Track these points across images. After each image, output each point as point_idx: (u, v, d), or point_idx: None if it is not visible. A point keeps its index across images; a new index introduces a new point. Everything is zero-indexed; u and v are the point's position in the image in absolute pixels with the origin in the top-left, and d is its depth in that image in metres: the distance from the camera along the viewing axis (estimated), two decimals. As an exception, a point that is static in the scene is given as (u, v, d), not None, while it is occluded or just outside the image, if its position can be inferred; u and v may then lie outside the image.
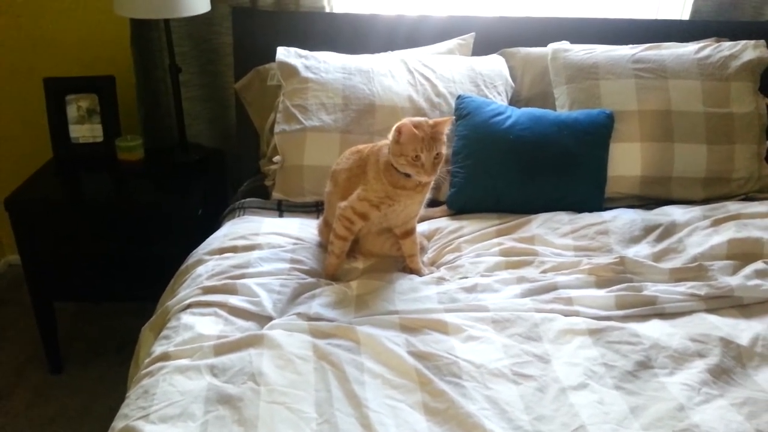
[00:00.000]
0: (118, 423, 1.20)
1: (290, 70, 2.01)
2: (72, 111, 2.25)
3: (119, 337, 2.35)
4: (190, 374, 1.27)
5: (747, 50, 2.07)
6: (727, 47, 2.08)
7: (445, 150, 1.50)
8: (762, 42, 2.10)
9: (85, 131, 2.27)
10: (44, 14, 2.31)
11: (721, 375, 1.32)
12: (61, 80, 2.22)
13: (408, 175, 1.52)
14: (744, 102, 2.02)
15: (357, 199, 1.58)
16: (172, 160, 2.27)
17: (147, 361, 1.36)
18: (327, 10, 2.29)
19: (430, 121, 1.49)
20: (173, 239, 1.99)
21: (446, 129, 1.49)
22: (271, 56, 2.09)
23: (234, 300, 1.47)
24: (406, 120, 1.49)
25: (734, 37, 2.14)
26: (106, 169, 2.22)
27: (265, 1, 2.24)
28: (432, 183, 1.59)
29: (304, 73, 2.00)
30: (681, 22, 2.32)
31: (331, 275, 1.62)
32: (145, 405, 1.21)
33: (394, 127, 1.48)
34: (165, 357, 1.33)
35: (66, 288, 2.18)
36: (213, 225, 1.94)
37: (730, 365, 1.34)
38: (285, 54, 2.05)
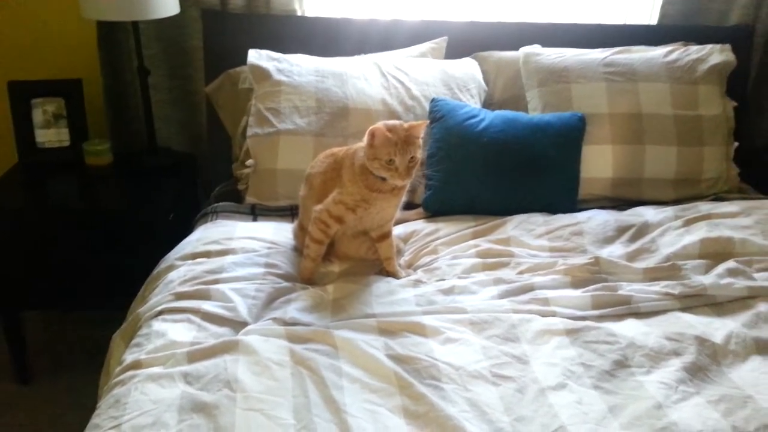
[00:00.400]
0: (89, 434, 1.16)
1: (262, 73, 1.99)
2: (38, 115, 2.19)
3: (89, 347, 2.28)
4: (163, 382, 1.23)
5: (713, 54, 2.12)
6: (695, 51, 2.13)
7: (420, 154, 1.49)
8: (728, 46, 2.15)
9: (51, 136, 2.21)
10: (8, 16, 2.24)
11: (697, 373, 1.33)
12: (26, 84, 2.16)
13: (383, 179, 1.51)
14: (712, 105, 2.06)
15: (332, 202, 1.56)
16: (141, 165, 2.22)
17: (118, 369, 1.31)
18: (299, 13, 2.27)
19: (405, 125, 1.48)
20: (144, 245, 1.94)
21: (421, 132, 1.48)
22: (243, 59, 2.07)
23: (207, 306, 1.44)
24: (380, 124, 1.48)
25: (701, 41, 2.18)
26: (73, 174, 2.17)
27: (235, 4, 2.21)
28: (408, 186, 1.58)
29: (277, 76, 1.98)
30: (649, 27, 2.36)
31: (307, 279, 1.60)
32: (116, 415, 1.17)
33: (367, 131, 1.47)
34: (137, 365, 1.29)
35: (33, 297, 2.11)
36: (185, 230, 1.90)
37: (706, 363, 1.35)
38: (257, 57, 2.02)
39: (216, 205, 1.95)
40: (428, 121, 1.81)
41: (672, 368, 1.33)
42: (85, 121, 2.23)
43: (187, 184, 2.29)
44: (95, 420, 1.19)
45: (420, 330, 1.40)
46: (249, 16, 2.23)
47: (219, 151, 2.25)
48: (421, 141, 1.49)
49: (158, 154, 2.26)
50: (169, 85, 2.35)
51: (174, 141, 2.41)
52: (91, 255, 2.03)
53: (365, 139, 1.48)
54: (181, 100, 2.38)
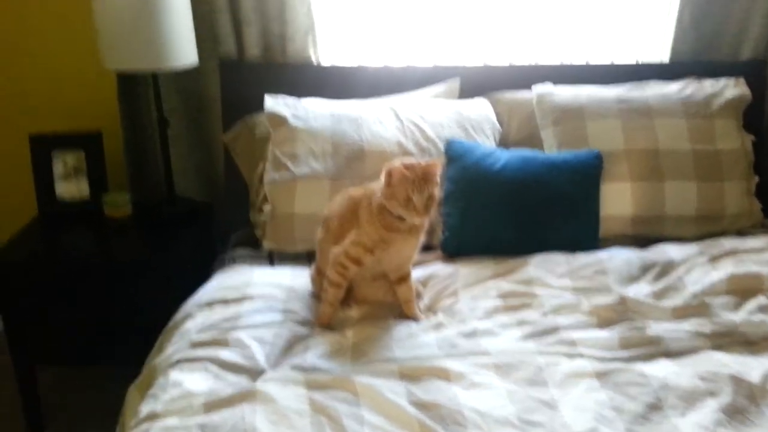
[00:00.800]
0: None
1: (278, 119, 2.01)
2: (58, 167, 2.22)
3: (105, 404, 2.23)
4: (180, 434, 1.20)
5: (728, 88, 2.11)
6: (709, 85, 2.12)
7: (437, 192, 1.48)
8: (741, 80, 2.14)
9: (71, 188, 2.23)
10: (31, 69, 2.31)
11: (735, 414, 1.27)
12: (47, 136, 2.20)
13: (401, 218, 1.49)
14: (730, 139, 2.04)
15: (350, 244, 1.54)
16: (159, 215, 2.23)
17: (133, 422, 1.28)
18: (314, 62, 2.31)
19: (422, 163, 1.48)
20: (161, 296, 1.92)
21: (438, 170, 1.47)
22: (259, 107, 2.09)
23: (224, 353, 1.41)
24: (396, 162, 1.47)
25: (714, 76, 2.18)
26: (92, 226, 2.18)
27: (252, 54, 2.26)
28: (426, 226, 1.56)
29: (293, 121, 2.00)
30: (661, 64, 2.36)
31: (325, 324, 1.57)
32: (132, 469, 1.14)
33: (384, 170, 1.46)
34: (152, 417, 1.26)
35: (50, 351, 2.09)
36: (203, 279, 1.88)
37: (744, 404, 1.29)
38: (273, 103, 2.05)
39: (233, 251, 1.95)
40: (444, 159, 1.80)
41: (708, 410, 1.27)
42: (105, 173, 2.25)
43: (204, 233, 2.29)
44: (110, 474, 1.16)
45: (443, 374, 1.36)
46: (265, 65, 2.27)
47: (236, 200, 2.25)
48: (438, 179, 1.48)
49: (176, 204, 2.27)
50: (188, 135, 2.38)
51: (192, 190, 2.42)
52: (108, 308, 2.02)
53: (382, 178, 1.47)
54: (199, 150, 2.41)
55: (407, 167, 1.45)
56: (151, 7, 1.92)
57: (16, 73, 2.32)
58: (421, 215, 1.46)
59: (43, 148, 2.20)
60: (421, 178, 1.44)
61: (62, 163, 2.22)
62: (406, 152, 1.96)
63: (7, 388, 2.21)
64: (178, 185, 2.33)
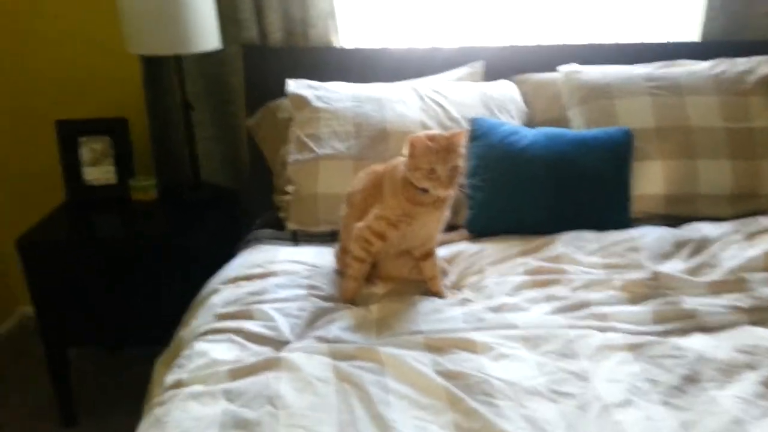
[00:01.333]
0: (128, 455, 1.12)
1: (301, 101, 2.00)
2: (85, 153, 2.24)
3: (136, 387, 2.24)
4: (204, 400, 1.19)
5: (762, 65, 2.05)
6: (742, 63, 2.06)
7: (462, 162, 1.45)
8: (776, 57, 2.07)
9: (98, 173, 2.25)
10: (56, 56, 2.34)
11: (776, 387, 1.22)
12: (73, 122, 2.22)
13: (425, 191, 1.47)
14: (765, 116, 1.97)
15: (374, 218, 1.52)
16: (185, 199, 2.24)
17: (158, 391, 1.28)
18: (336, 45, 2.30)
19: (446, 134, 1.45)
20: (188, 277, 1.92)
21: (462, 141, 1.45)
22: (282, 93, 2.09)
23: (250, 325, 1.40)
24: (420, 133, 1.45)
25: (747, 56, 2.11)
26: (119, 209, 2.19)
27: (275, 39, 2.26)
28: (451, 199, 1.53)
29: (315, 102, 1.99)
30: (692, 43, 2.30)
31: (349, 300, 1.55)
32: (156, 433, 1.13)
33: (407, 141, 1.44)
34: (178, 384, 1.26)
35: (80, 333, 2.11)
36: (228, 261, 1.87)
37: (785, 377, 1.24)
38: (295, 86, 2.04)
39: (257, 232, 1.94)
40: (469, 129, 1.77)
41: (748, 382, 1.22)
42: (131, 158, 2.27)
43: (229, 218, 2.30)
44: (135, 440, 1.15)
45: (470, 346, 1.33)
46: (288, 49, 2.27)
47: (260, 185, 2.25)
48: (462, 150, 1.45)
49: (201, 189, 2.28)
50: (212, 121, 2.39)
51: (217, 176, 2.43)
52: (136, 290, 2.03)
53: (405, 149, 1.45)
54: (223, 135, 2.41)
55: (430, 138, 1.43)
56: (174, -9, 1.93)
57: (42, 61, 2.35)
58: (446, 187, 1.44)
59: (69, 133, 2.22)
60: (444, 148, 1.42)
61: (89, 148, 2.24)
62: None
63: (40, 371, 2.23)
64: (203, 170, 2.34)
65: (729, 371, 1.26)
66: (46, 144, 2.31)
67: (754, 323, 1.41)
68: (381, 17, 2.33)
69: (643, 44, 2.27)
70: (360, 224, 1.55)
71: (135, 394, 2.22)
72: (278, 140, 2.12)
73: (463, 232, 1.86)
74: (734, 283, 1.52)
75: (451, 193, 1.49)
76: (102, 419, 2.14)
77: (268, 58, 2.25)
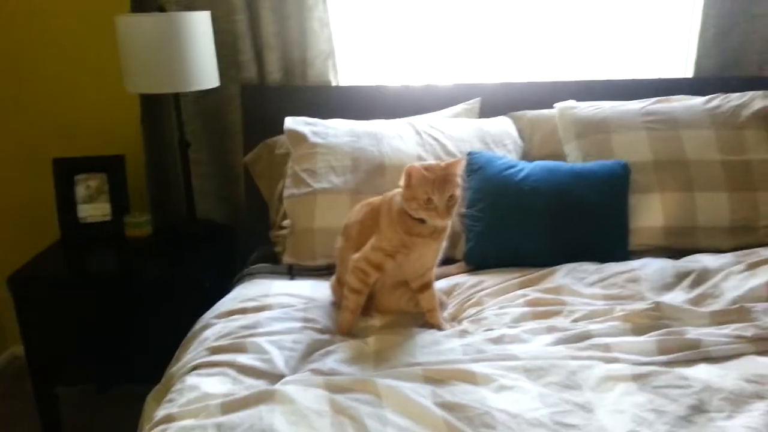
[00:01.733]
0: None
1: (298, 137, 2.01)
2: (81, 190, 2.23)
3: (126, 427, 2.18)
4: (195, 435, 1.14)
5: (756, 100, 2.06)
6: (736, 98, 2.08)
7: (459, 192, 1.44)
8: (769, 92, 2.10)
9: (93, 210, 2.24)
10: (54, 94, 2.35)
11: (787, 417, 1.18)
12: (70, 161, 2.23)
13: (422, 221, 1.46)
14: (760, 149, 1.98)
15: (371, 249, 1.50)
16: (180, 236, 2.22)
17: (148, 427, 1.23)
18: (333, 83, 2.32)
19: (442, 163, 1.45)
20: (182, 315, 1.88)
21: (459, 170, 1.44)
22: (280, 130, 2.10)
23: (243, 358, 1.36)
24: (416, 163, 1.45)
25: (740, 92, 2.14)
26: (113, 246, 2.18)
27: (273, 78, 2.28)
28: (448, 230, 1.52)
29: (312, 138, 2.00)
30: (685, 79, 2.33)
31: (346, 332, 1.52)
32: (144, 470, 1.08)
33: (404, 171, 1.44)
34: (168, 419, 1.21)
35: (71, 373, 2.06)
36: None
37: (795, 406, 1.20)
38: (293, 123, 2.05)
39: (252, 267, 1.92)
40: (466, 157, 1.77)
41: (757, 412, 1.18)
42: (127, 195, 2.27)
43: (225, 255, 2.27)
44: (122, 478, 1.10)
45: (470, 378, 1.29)
46: (286, 88, 2.30)
47: (256, 222, 2.24)
48: (459, 179, 1.44)
49: (197, 226, 2.27)
50: (209, 159, 2.39)
51: (213, 214, 2.42)
52: (128, 327, 1.99)
53: (402, 180, 1.44)
54: (220, 174, 2.42)
55: (427, 168, 1.42)
56: (173, 31, 1.96)
57: (40, 98, 2.37)
58: (443, 217, 1.42)
59: (66, 171, 2.22)
60: (441, 178, 1.41)
61: (85, 186, 2.23)
62: (427, 166, 1.94)
63: (28, 411, 2.16)
64: (199, 208, 2.33)
65: (737, 401, 1.22)
66: (41, 181, 2.31)
67: (760, 353, 1.38)
68: (378, 55, 2.36)
69: (637, 80, 2.30)
70: (356, 255, 1.53)
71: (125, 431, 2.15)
72: (275, 176, 2.12)
73: (461, 265, 1.84)
74: (737, 312, 1.50)
75: (449, 223, 1.48)
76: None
77: (267, 96, 2.27)
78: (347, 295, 1.53)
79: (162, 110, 2.29)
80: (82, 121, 2.37)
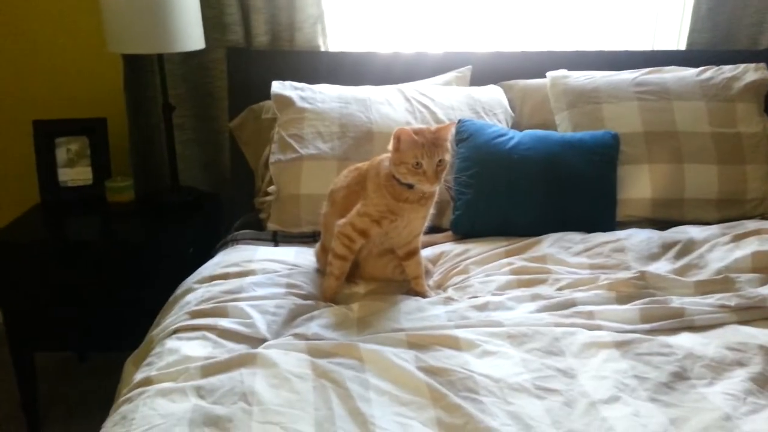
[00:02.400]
0: (91, 453, 1.06)
1: (285, 102, 1.97)
2: (61, 154, 2.19)
3: (104, 395, 2.17)
4: (174, 397, 1.13)
5: (748, 72, 2.05)
6: (728, 70, 2.06)
7: (449, 157, 1.42)
8: (762, 65, 2.08)
9: (74, 174, 2.20)
10: (34, 56, 2.29)
11: (766, 384, 1.19)
12: (51, 123, 2.17)
13: (411, 186, 1.43)
14: (751, 122, 1.97)
15: (357, 214, 1.48)
16: (163, 202, 2.19)
17: (126, 389, 1.22)
18: (323, 48, 2.28)
19: (432, 127, 1.42)
20: (164, 281, 1.86)
21: (449, 135, 1.42)
22: (266, 95, 2.06)
23: (224, 322, 1.35)
24: (405, 126, 1.42)
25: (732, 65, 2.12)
26: (94, 211, 2.13)
27: (260, 42, 2.23)
28: (436, 196, 1.50)
29: (300, 103, 1.96)
30: (678, 52, 2.31)
31: (330, 298, 1.51)
32: (122, 431, 1.07)
33: (393, 134, 1.41)
34: (146, 382, 1.20)
35: (49, 338, 2.02)
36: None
37: (775, 374, 1.21)
38: (280, 87, 2.01)
39: (236, 233, 1.89)
40: (456, 122, 1.74)
41: (737, 379, 1.19)
42: (109, 160, 2.22)
43: (208, 222, 2.24)
44: (99, 438, 1.09)
45: (453, 343, 1.29)
46: (273, 52, 2.25)
47: (242, 191, 2.21)
48: (449, 144, 1.42)
49: (180, 192, 2.23)
50: (194, 125, 2.34)
51: (197, 181, 2.38)
52: (110, 293, 1.96)
53: (390, 143, 1.42)
54: (205, 140, 2.37)
55: (416, 131, 1.40)
56: (158, -11, 1.90)
57: (21, 60, 2.30)
58: (432, 182, 1.40)
59: (46, 134, 2.17)
60: (431, 142, 1.38)
61: (65, 149, 2.19)
62: (415, 133, 1.91)
63: (5, 376, 2.15)
64: (183, 175, 2.30)
65: (718, 368, 1.22)
66: (21, 144, 2.25)
67: (742, 322, 1.38)
68: (368, 21, 2.31)
69: (629, 52, 2.28)
70: (342, 221, 1.51)
71: (104, 401, 2.14)
72: (261, 142, 2.09)
73: (449, 234, 1.82)
74: (721, 283, 1.50)
75: (437, 189, 1.46)
76: (69, 427, 2.06)
77: (253, 61, 2.22)
78: (332, 261, 1.51)
79: (145, 73, 2.24)
80: (63, 83, 2.31)
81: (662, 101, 1.97)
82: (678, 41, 2.36)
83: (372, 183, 1.48)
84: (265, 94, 2.06)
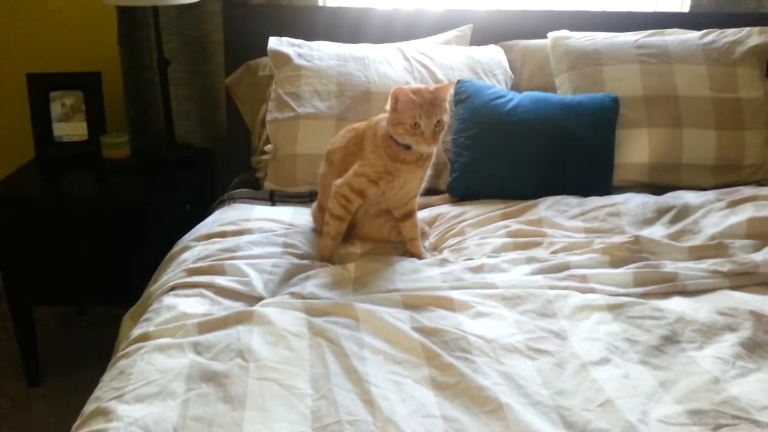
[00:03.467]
0: (89, 406, 1.08)
1: (282, 58, 1.94)
2: (56, 108, 2.16)
3: (103, 348, 2.19)
4: (171, 352, 1.15)
5: (752, 36, 2.02)
6: (732, 33, 2.03)
7: (447, 118, 1.41)
8: (767, 28, 2.04)
9: (69, 129, 2.17)
10: (28, 9, 2.24)
11: (756, 349, 1.21)
12: (45, 76, 2.13)
13: (408, 147, 1.43)
14: (752, 87, 1.96)
15: (354, 174, 1.48)
16: (159, 159, 2.17)
17: (124, 344, 1.23)
18: (320, 3, 2.23)
19: (430, 87, 1.41)
20: (160, 238, 1.86)
21: (447, 95, 1.40)
22: (263, 52, 2.02)
23: (221, 280, 1.36)
24: (403, 86, 1.40)
25: (735, 27, 2.09)
26: (90, 167, 2.12)
27: (257, -4, 2.19)
28: (434, 157, 1.49)
29: (297, 60, 1.93)
30: (682, 14, 2.27)
31: (326, 258, 1.51)
32: (119, 386, 1.09)
33: (390, 94, 1.39)
34: (144, 337, 1.21)
35: (47, 292, 2.04)
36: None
37: (764, 339, 1.23)
38: (277, 43, 1.98)
39: (233, 192, 1.89)
40: (455, 82, 1.72)
41: (727, 343, 1.21)
42: (104, 115, 2.19)
43: (205, 179, 2.24)
44: (97, 393, 1.11)
45: (447, 304, 1.30)
46: (270, 6, 2.20)
47: (239, 148, 2.19)
48: (447, 105, 1.41)
49: (176, 149, 2.21)
50: (189, 80, 2.31)
51: (193, 137, 2.36)
52: (106, 248, 1.97)
53: (388, 103, 1.40)
54: (201, 96, 2.34)
55: (414, 91, 1.38)
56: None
57: (14, 12, 2.24)
58: (430, 143, 1.39)
59: (40, 87, 2.13)
60: (429, 102, 1.37)
61: (60, 103, 2.16)
62: (414, 93, 1.89)
63: (5, 330, 2.17)
64: (179, 130, 2.28)
65: (708, 332, 1.24)
66: (15, 98, 2.22)
67: (734, 288, 1.40)
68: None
69: (632, 13, 2.24)
70: (339, 181, 1.50)
71: (103, 354, 2.17)
72: (258, 99, 2.06)
73: (445, 197, 1.82)
74: (715, 248, 1.51)
75: (434, 150, 1.45)
76: (68, 379, 2.09)
77: (250, 15, 2.17)
78: (328, 221, 1.51)
79: (140, 28, 2.19)
80: (56, 37, 2.26)
81: (663, 64, 1.94)
82: (682, 2, 2.32)
83: (369, 143, 1.47)
84: (262, 49, 2.03)
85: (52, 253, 1.97)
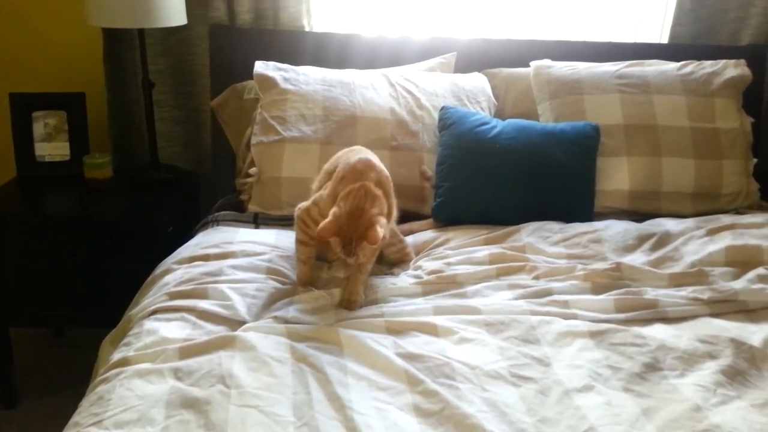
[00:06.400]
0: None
1: (268, 82, 1.95)
2: (39, 128, 2.14)
3: (80, 370, 2.15)
4: (151, 378, 1.13)
5: (728, 68, 2.08)
6: (709, 65, 2.09)
7: (376, 211, 1.37)
8: (742, 61, 2.10)
9: (51, 149, 2.16)
10: (13, 28, 2.23)
11: (736, 376, 1.22)
12: (28, 96, 2.12)
13: None
14: (729, 118, 2.00)
15: (312, 203, 1.47)
16: (142, 179, 2.16)
17: (103, 369, 1.21)
18: (307, 29, 2.25)
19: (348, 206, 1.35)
20: (142, 260, 1.84)
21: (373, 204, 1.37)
22: (249, 74, 2.03)
23: (204, 304, 1.34)
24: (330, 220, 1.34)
25: (713, 59, 2.14)
26: (72, 187, 2.10)
27: (243, 19, 2.20)
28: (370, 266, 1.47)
29: (283, 84, 1.94)
30: (660, 45, 2.33)
31: (305, 282, 1.49)
32: (98, 411, 1.07)
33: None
34: (124, 362, 1.19)
35: (25, 314, 2.01)
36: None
37: (744, 367, 1.24)
38: (263, 67, 1.99)
39: (216, 214, 1.88)
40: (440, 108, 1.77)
41: (708, 371, 1.22)
42: (87, 135, 2.18)
43: (188, 201, 2.22)
44: (75, 418, 1.09)
45: (431, 330, 1.30)
46: (256, 31, 2.21)
47: (223, 170, 2.19)
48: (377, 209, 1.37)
49: (160, 170, 2.20)
50: (174, 102, 2.31)
51: (177, 159, 2.35)
52: (86, 270, 1.94)
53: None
54: (185, 118, 2.34)
55: (328, 228, 1.32)
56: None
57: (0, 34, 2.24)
58: (350, 257, 1.35)
59: (23, 107, 2.12)
60: (347, 228, 1.33)
61: (43, 123, 2.14)
62: (398, 119, 1.91)
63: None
64: (163, 152, 2.27)
65: (690, 360, 1.25)
66: (-2, 117, 2.21)
67: (714, 315, 1.41)
68: (354, 2, 2.29)
69: (613, 43, 2.29)
70: (301, 205, 1.50)
71: (80, 377, 2.12)
72: (243, 122, 2.07)
73: (429, 221, 1.83)
74: (695, 275, 1.53)
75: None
76: (44, 401, 2.05)
77: (236, 39, 2.19)
78: (296, 246, 1.50)
79: (126, 48, 2.20)
80: (41, 56, 2.25)
81: (643, 94, 1.99)
82: (661, 34, 2.37)
83: (332, 184, 1.44)
84: (248, 72, 2.04)
85: (31, 273, 1.94)
